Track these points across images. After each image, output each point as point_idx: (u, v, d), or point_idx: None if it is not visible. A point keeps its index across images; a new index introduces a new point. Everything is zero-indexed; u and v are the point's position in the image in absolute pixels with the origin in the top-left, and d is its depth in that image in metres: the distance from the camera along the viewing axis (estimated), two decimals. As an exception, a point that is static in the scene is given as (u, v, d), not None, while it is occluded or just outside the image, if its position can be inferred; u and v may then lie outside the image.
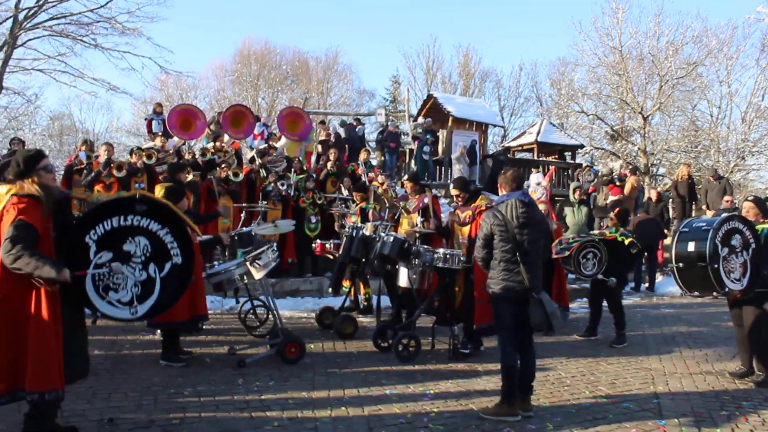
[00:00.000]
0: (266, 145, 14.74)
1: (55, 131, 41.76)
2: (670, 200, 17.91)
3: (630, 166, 18.14)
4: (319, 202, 12.15)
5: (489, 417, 5.33)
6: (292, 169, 13.10)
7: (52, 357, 4.16)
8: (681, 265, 6.47)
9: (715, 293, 6.49)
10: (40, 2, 22.94)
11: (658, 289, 13.85)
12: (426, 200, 8.32)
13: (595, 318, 8.94)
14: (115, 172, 10.36)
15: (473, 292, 7.26)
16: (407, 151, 21.11)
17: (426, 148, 19.19)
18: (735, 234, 6.40)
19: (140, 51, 27.00)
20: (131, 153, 11.86)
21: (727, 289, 6.31)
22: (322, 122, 19.96)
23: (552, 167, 20.83)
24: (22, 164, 4.34)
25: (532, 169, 19.93)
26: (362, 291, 9.99)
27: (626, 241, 8.54)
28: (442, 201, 16.76)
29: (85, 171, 10.57)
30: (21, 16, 22.93)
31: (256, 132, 15.58)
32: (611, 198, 14.89)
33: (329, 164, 13.64)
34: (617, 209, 9.13)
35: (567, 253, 8.59)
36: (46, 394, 4.15)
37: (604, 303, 8.92)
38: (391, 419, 5.28)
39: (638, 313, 11.00)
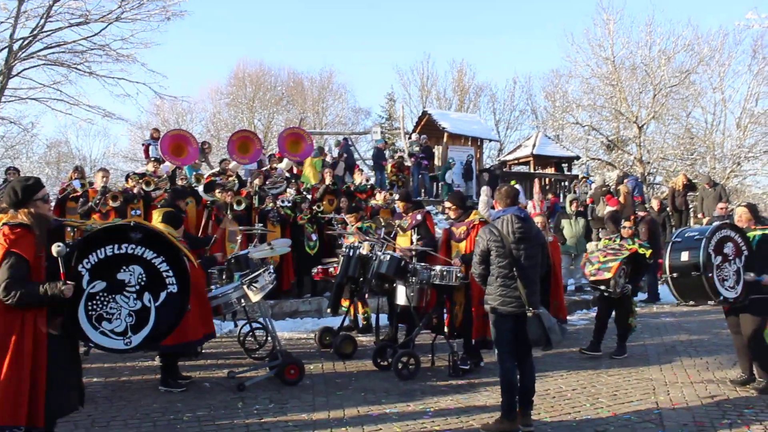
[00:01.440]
0: (267, 167, 14.82)
1: (52, 158, 41.83)
2: (667, 209, 17.93)
3: (618, 176, 18.16)
4: (318, 210, 12.12)
5: (489, 433, 5.32)
6: (290, 189, 13.14)
7: (21, 393, 4.04)
8: (675, 275, 6.50)
9: (711, 302, 6.49)
10: (35, 32, 23.06)
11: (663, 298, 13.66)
12: (419, 217, 8.33)
13: (601, 333, 8.66)
14: (110, 202, 10.34)
15: (471, 307, 7.27)
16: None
17: (448, 174, 19.16)
18: (727, 242, 6.44)
19: (135, 77, 27.34)
20: (127, 179, 11.87)
21: (721, 297, 6.32)
22: (320, 148, 19.88)
23: (537, 179, 20.84)
24: (19, 194, 4.25)
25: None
26: (361, 310, 9.98)
27: (647, 253, 8.39)
28: (439, 218, 16.79)
29: (81, 200, 10.56)
30: (16, 47, 23.03)
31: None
32: (609, 209, 14.87)
33: (327, 179, 13.64)
34: (632, 217, 8.95)
35: (608, 275, 8.11)
36: (10, 429, 4.03)
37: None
38: (392, 439, 5.26)
39: (638, 322, 10.93)
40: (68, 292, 4.14)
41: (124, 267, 4.59)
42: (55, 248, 4.14)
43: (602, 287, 8.30)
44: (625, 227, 8.76)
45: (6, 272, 3.98)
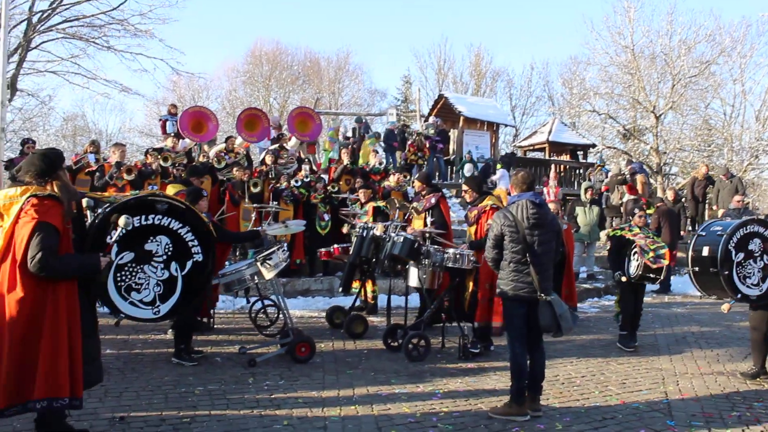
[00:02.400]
0: (277, 145, 14.82)
1: (68, 132, 42.03)
2: (683, 199, 17.82)
3: (630, 165, 17.99)
4: (333, 190, 12.14)
5: (498, 416, 5.34)
6: (305, 167, 13.17)
7: (63, 365, 4.06)
8: (697, 269, 6.43)
9: (730, 300, 6.42)
10: (54, 5, 23.12)
11: (674, 289, 13.62)
12: (433, 200, 8.33)
13: (635, 322, 8.43)
14: (125, 175, 10.40)
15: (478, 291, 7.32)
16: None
17: (468, 167, 18.99)
18: (753, 238, 6.31)
19: (152, 53, 27.28)
20: (146, 154, 11.93)
21: (740, 295, 6.24)
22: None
23: (553, 166, 20.72)
24: (44, 164, 4.21)
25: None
26: (369, 289, 9.95)
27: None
28: (453, 201, 16.77)
29: (97, 174, 10.62)
30: (35, 19, 23.12)
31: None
32: (628, 197, 14.79)
33: (345, 159, 13.63)
34: (657, 206, 8.88)
35: (665, 261, 7.94)
36: (55, 401, 4.05)
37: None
38: (401, 418, 5.30)
39: (650, 312, 10.93)
40: (104, 263, 4.16)
41: (152, 237, 4.66)
42: (123, 219, 4.21)
43: (652, 275, 8.03)
44: (641, 216, 8.69)
45: (39, 244, 3.94)
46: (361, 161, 15.65)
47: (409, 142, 18.18)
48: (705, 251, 6.37)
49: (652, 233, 8.51)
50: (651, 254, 7.99)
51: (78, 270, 4.10)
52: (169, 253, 4.72)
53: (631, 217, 8.80)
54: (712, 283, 6.35)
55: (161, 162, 11.16)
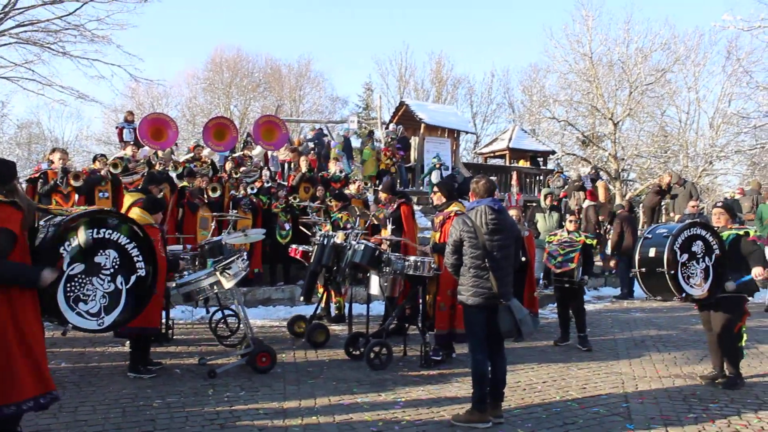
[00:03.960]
0: (241, 153, 14.74)
1: (23, 140, 41.20)
2: (640, 205, 18.09)
3: (593, 171, 18.27)
4: (294, 201, 12.08)
5: (460, 424, 5.34)
6: (265, 173, 13.10)
7: (10, 369, 4.03)
8: (643, 270, 6.62)
9: (676, 298, 6.60)
10: (6, 9, 22.61)
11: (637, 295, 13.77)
12: (394, 205, 8.34)
13: (566, 323, 8.96)
14: (72, 181, 10.19)
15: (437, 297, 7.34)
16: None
17: (435, 174, 19.08)
18: (696, 240, 6.54)
19: (110, 59, 26.61)
20: (94, 160, 11.70)
21: (684, 294, 6.44)
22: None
23: (515, 172, 20.96)
24: (4, 170, 4.21)
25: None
26: (334, 300, 9.95)
27: (594, 243, 8.63)
28: (415, 208, 16.78)
29: (40, 181, 10.37)
30: (-14, 24, 22.59)
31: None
32: (587, 203, 14.97)
33: (303, 167, 13.57)
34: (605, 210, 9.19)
35: (572, 265, 8.55)
36: (4, 408, 4.03)
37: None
38: (363, 428, 5.26)
39: (609, 317, 11.10)
40: (48, 280, 4.13)
41: (101, 250, 4.76)
42: (84, 237, 4.48)
43: (566, 278, 8.66)
44: (571, 221, 9.05)
45: None
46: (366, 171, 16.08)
47: (382, 147, 18.23)
48: (651, 252, 6.58)
49: (588, 235, 8.76)
50: (559, 259, 8.63)
51: (12, 278, 4.04)
52: (116, 267, 4.84)
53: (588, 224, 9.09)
54: (658, 283, 6.55)
55: (111, 169, 10.94)
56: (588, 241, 8.74)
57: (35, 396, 4.12)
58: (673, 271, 6.36)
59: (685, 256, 6.45)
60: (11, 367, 4.02)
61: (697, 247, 6.51)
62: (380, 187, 9.18)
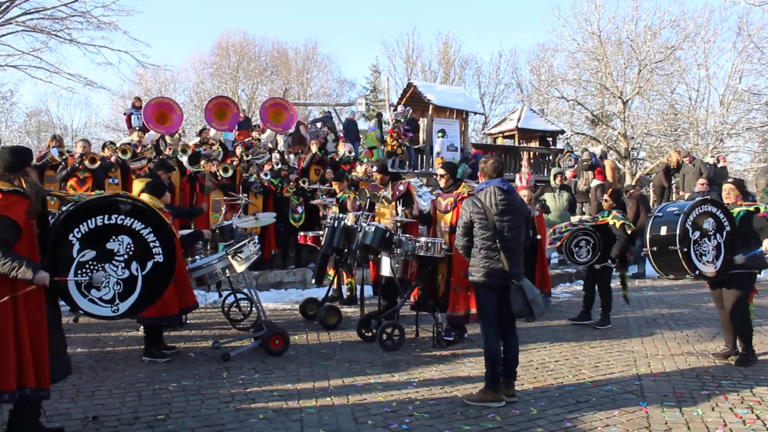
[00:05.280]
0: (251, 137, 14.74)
1: (32, 128, 41.37)
2: (650, 184, 18.00)
3: (602, 151, 18.19)
4: (304, 185, 12.10)
5: (473, 403, 5.37)
6: (275, 155, 13.14)
7: (27, 355, 4.04)
8: (655, 249, 6.58)
9: (689, 276, 6.57)
10: (12, -3, 22.61)
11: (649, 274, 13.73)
12: (401, 187, 8.31)
13: (589, 303, 8.97)
14: (87, 163, 10.23)
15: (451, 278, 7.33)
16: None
17: (439, 141, 19.28)
18: (708, 217, 6.50)
19: (117, 45, 26.94)
20: (104, 147, 11.74)
21: (697, 272, 6.41)
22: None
23: (525, 152, 20.95)
24: (13, 159, 4.18)
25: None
26: (345, 281, 9.99)
27: (618, 224, 8.54)
28: (424, 189, 16.80)
29: (60, 166, 10.45)
30: (-7, 12, 22.61)
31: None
32: (595, 182, 14.92)
33: (313, 148, 13.59)
34: (610, 190, 9.08)
35: (558, 243, 8.73)
36: (23, 391, 4.05)
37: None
38: (376, 408, 5.30)
39: (620, 296, 11.07)
40: (42, 281, 4.09)
41: (114, 237, 4.69)
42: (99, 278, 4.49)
43: (562, 256, 9.10)
44: (606, 200, 8.86)
45: None
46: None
47: (389, 128, 18.21)
48: (663, 231, 6.53)
49: (617, 216, 8.65)
50: (556, 235, 8.87)
51: (8, 272, 3.98)
52: (131, 253, 4.75)
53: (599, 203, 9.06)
54: (670, 262, 6.51)
55: (120, 155, 10.97)
56: (611, 221, 8.59)
57: (10, 390, 4.03)
58: (685, 249, 6.33)
59: (697, 234, 6.42)
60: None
61: (709, 224, 6.48)
62: (374, 168, 9.11)
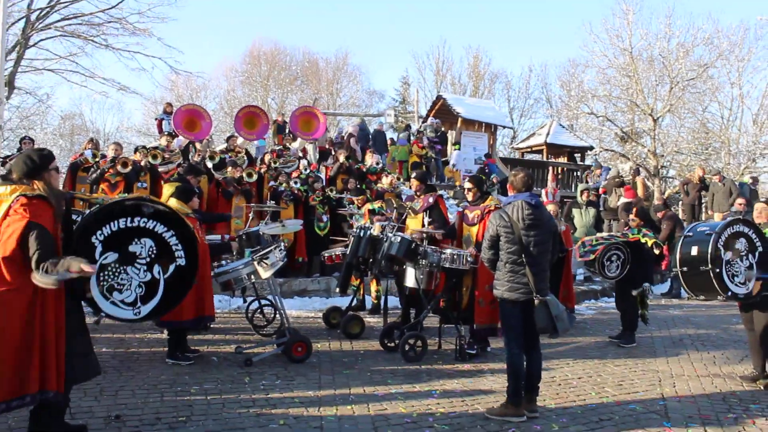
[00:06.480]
0: (280, 146, 14.86)
1: (66, 131, 41.97)
2: (680, 203, 17.81)
3: (633, 168, 18.02)
4: (330, 194, 12.14)
5: (494, 417, 5.33)
6: (303, 161, 13.25)
7: (51, 357, 4.10)
8: (685, 269, 6.48)
9: (720, 297, 6.46)
10: (52, 3, 23.10)
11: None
12: (431, 200, 8.31)
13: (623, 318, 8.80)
14: (119, 168, 10.36)
15: (476, 291, 7.30)
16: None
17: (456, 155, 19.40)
18: (740, 237, 6.39)
19: (151, 51, 27.07)
20: (135, 151, 11.89)
21: (729, 293, 6.29)
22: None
23: (551, 168, 20.89)
24: (37, 161, 4.23)
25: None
26: (373, 289, 9.97)
27: (649, 242, 8.45)
28: (450, 202, 16.78)
29: (92, 169, 10.60)
30: (33, 17, 23.11)
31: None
32: (624, 200, 14.77)
33: (341, 158, 13.66)
34: (635, 209, 8.95)
35: (592, 256, 8.50)
36: (46, 393, 4.10)
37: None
38: (397, 419, 5.29)
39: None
40: (88, 272, 4.13)
41: (136, 239, 4.67)
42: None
43: (592, 269, 8.70)
44: (634, 219, 8.76)
45: (35, 244, 3.95)
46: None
47: (413, 140, 18.26)
48: (694, 251, 6.43)
49: (647, 234, 8.54)
50: (586, 248, 8.62)
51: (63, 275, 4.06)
52: (153, 256, 4.75)
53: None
54: (701, 282, 6.41)
55: (150, 159, 11.10)
56: (642, 240, 8.49)
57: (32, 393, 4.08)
58: (717, 270, 6.23)
59: (729, 254, 6.32)
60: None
61: (741, 244, 6.37)
62: (413, 175, 9.09)
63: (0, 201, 4.14)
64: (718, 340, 9.02)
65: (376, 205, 10.45)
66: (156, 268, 4.77)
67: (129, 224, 4.66)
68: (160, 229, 4.80)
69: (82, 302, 4.57)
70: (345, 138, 18.37)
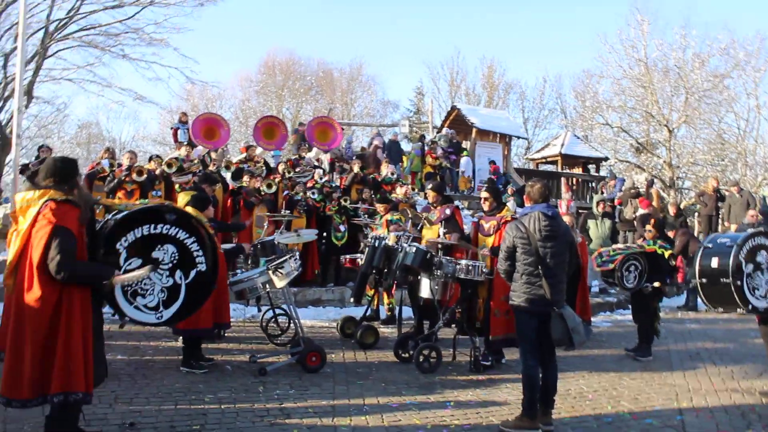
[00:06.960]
0: (297, 155, 14.91)
1: (83, 139, 42.40)
2: (696, 214, 17.67)
3: (648, 179, 17.94)
4: (345, 203, 12.16)
5: (509, 430, 5.29)
6: (318, 171, 13.28)
7: (78, 360, 4.15)
8: (704, 280, 6.39)
9: (740, 310, 6.37)
10: (71, 14, 23.36)
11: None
12: (448, 211, 8.28)
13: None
14: (135, 176, 10.44)
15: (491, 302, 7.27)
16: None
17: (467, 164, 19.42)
18: (761, 250, 6.29)
19: (167, 61, 27.44)
20: (150, 160, 11.97)
21: (750, 307, 6.20)
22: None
23: (564, 179, 20.83)
24: (65, 168, 4.33)
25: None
26: (386, 301, 9.97)
27: (666, 254, 8.39)
28: (465, 212, 16.73)
29: (108, 178, 10.69)
30: (52, 28, 23.36)
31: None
32: (641, 211, 14.66)
33: (355, 168, 13.69)
34: (653, 220, 8.88)
35: (611, 266, 8.43)
36: (69, 395, 4.13)
37: None
38: (411, 430, 5.27)
39: (663, 327, 10.82)
40: (122, 281, 4.27)
41: (159, 246, 4.74)
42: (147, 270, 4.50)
43: (609, 279, 8.64)
44: (650, 231, 8.70)
45: (58, 247, 4.02)
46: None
47: (426, 150, 18.27)
48: (714, 263, 6.32)
49: (663, 245, 8.49)
50: (604, 258, 8.59)
51: (91, 278, 4.24)
52: (175, 262, 4.83)
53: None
54: (721, 294, 6.31)
55: (165, 168, 11.16)
56: (659, 251, 8.44)
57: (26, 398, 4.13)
58: (739, 282, 6.14)
59: (751, 267, 6.22)
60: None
61: (762, 257, 6.28)
62: (429, 186, 9.06)
63: (29, 206, 4.22)
64: (736, 353, 8.92)
65: (395, 216, 10.45)
66: (178, 273, 4.85)
67: (152, 231, 4.74)
68: (181, 235, 4.87)
69: (103, 308, 4.63)
70: (371, 150, 18.37)
